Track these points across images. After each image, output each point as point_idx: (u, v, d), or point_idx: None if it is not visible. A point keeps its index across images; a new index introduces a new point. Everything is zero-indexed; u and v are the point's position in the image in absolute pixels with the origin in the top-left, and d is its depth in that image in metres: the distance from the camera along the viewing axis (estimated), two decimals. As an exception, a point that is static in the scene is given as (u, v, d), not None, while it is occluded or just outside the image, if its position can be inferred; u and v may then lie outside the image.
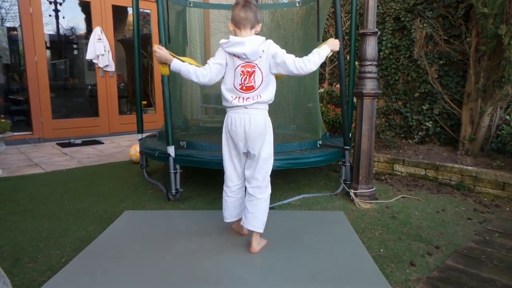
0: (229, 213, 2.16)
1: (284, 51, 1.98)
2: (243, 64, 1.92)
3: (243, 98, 1.95)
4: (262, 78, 1.94)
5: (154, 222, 2.46)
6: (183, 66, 1.96)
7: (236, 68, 1.93)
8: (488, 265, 1.96)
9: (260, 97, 1.97)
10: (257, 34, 1.98)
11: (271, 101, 2.05)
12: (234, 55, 1.92)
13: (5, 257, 2.03)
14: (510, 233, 2.37)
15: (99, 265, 1.87)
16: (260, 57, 1.91)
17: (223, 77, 1.99)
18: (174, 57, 1.98)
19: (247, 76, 1.93)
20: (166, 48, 2.53)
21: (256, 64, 1.93)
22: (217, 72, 1.97)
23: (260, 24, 2.01)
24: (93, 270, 1.82)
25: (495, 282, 1.79)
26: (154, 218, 2.55)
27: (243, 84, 1.94)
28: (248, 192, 2.08)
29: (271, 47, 1.96)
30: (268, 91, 2.00)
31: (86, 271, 1.81)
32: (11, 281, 1.26)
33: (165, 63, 1.98)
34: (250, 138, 2.00)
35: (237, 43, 1.89)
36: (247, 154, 2.08)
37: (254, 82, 1.94)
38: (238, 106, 1.97)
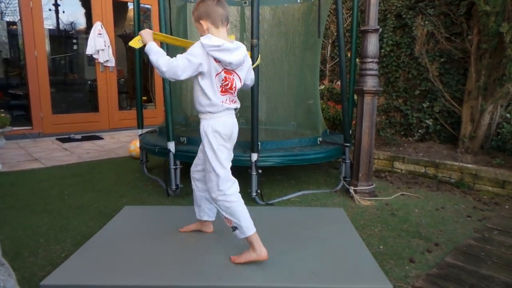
0: (249, 219, 1.92)
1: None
2: (225, 70, 1.81)
3: (223, 101, 1.84)
4: (240, 85, 1.89)
5: (154, 217, 2.46)
6: (158, 52, 1.77)
7: (218, 73, 1.79)
8: (487, 262, 1.96)
9: (234, 102, 1.90)
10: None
11: None
12: (215, 59, 1.76)
13: (5, 251, 2.03)
14: (509, 231, 2.38)
15: (99, 260, 1.87)
16: (241, 65, 1.85)
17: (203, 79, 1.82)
18: (164, 38, 1.90)
19: (229, 82, 1.84)
20: (168, 45, 2.52)
21: (235, 72, 1.85)
22: (191, 73, 1.78)
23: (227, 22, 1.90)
24: (93, 265, 1.82)
25: (494, 279, 1.80)
26: (154, 213, 2.55)
27: (222, 86, 1.83)
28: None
29: (249, 59, 1.94)
30: (238, 100, 1.94)
31: (86, 266, 1.81)
32: (14, 274, 1.27)
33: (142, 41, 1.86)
34: (233, 140, 1.96)
35: (226, 50, 1.74)
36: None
37: (234, 87, 1.86)
38: (227, 109, 1.86)
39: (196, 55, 1.74)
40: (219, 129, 1.85)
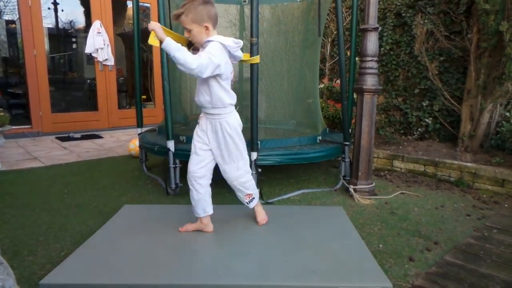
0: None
1: None
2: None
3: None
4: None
5: (154, 216, 2.46)
6: (181, 49, 1.79)
7: (231, 72, 1.99)
8: (487, 261, 1.96)
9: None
10: None
11: None
12: (230, 57, 1.95)
13: (4, 250, 2.03)
14: (508, 229, 2.38)
15: (98, 259, 1.87)
16: None
17: (220, 79, 1.95)
18: (169, 33, 1.89)
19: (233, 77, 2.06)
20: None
21: None
22: (210, 73, 1.85)
23: None
24: (93, 264, 1.82)
25: (494, 278, 1.80)
26: (154, 212, 2.55)
27: (231, 84, 2.04)
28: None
29: None
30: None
31: (86, 265, 1.81)
32: (13, 273, 1.26)
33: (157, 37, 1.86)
34: None
35: (240, 48, 1.94)
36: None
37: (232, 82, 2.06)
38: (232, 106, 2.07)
39: (216, 56, 1.82)
40: (239, 120, 2.08)
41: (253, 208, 2.27)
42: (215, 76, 1.90)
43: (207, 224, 2.19)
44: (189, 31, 1.90)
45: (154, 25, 1.84)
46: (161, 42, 1.82)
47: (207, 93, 1.97)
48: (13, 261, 1.90)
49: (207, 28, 1.88)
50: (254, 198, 2.23)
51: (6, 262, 1.22)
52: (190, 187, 2.14)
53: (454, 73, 3.92)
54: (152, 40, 1.87)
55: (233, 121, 2.05)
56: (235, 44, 1.91)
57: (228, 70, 1.94)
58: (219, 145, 2.07)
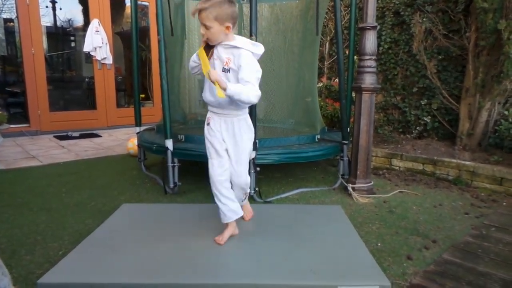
0: None
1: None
2: None
3: None
4: None
5: (152, 215, 2.45)
6: (241, 93, 1.74)
7: None
8: (485, 259, 1.97)
9: None
10: None
11: None
12: None
13: (2, 249, 2.02)
14: (506, 228, 2.38)
15: (96, 258, 1.86)
16: None
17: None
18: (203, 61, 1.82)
19: None
20: (166, 42, 2.50)
21: None
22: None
23: None
24: (91, 263, 1.82)
25: (492, 276, 1.80)
26: (152, 211, 2.55)
27: None
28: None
29: None
30: None
31: (84, 264, 1.80)
32: (9, 273, 1.26)
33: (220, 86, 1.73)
34: None
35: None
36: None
37: None
38: None
39: (259, 70, 1.83)
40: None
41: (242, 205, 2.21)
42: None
43: (236, 226, 2.09)
44: (208, 28, 1.77)
45: (214, 75, 1.74)
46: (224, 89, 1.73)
47: None
48: (11, 260, 1.89)
49: (228, 28, 1.79)
50: (247, 195, 2.24)
51: (2, 262, 1.22)
52: (216, 192, 1.99)
53: (452, 71, 3.92)
54: (220, 93, 1.73)
55: (250, 122, 2.03)
56: (260, 52, 1.87)
57: None
58: (236, 146, 1.97)
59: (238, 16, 1.84)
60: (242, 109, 1.95)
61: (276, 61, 3.92)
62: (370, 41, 2.85)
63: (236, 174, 2.02)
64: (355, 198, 2.89)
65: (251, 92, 1.75)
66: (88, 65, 6.73)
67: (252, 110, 2.71)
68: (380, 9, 4.39)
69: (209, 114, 2.02)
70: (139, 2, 3.37)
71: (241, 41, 1.84)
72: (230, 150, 1.99)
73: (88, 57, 6.41)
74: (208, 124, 2.00)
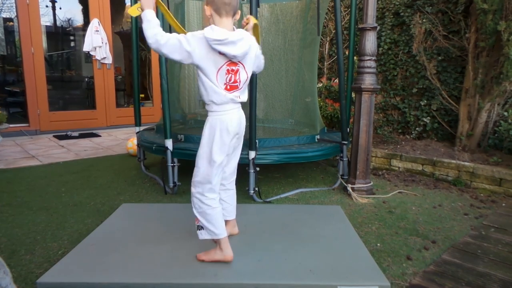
0: (220, 226, 1.82)
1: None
2: (228, 63, 1.70)
3: (230, 96, 1.76)
4: (247, 76, 1.79)
5: (152, 215, 2.45)
6: (150, 21, 1.63)
7: (221, 67, 1.69)
8: (484, 260, 1.97)
9: (239, 98, 1.79)
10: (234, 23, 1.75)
11: None
12: (220, 52, 1.66)
13: (2, 249, 2.02)
14: (506, 228, 2.39)
15: (96, 258, 1.86)
16: (247, 54, 1.73)
17: (203, 74, 1.71)
18: (165, 12, 1.76)
19: (232, 74, 1.73)
20: None
21: (240, 62, 1.73)
22: (179, 57, 1.67)
23: (239, 11, 1.77)
24: (90, 263, 1.82)
25: (491, 276, 1.80)
26: (152, 211, 2.55)
27: (227, 84, 1.73)
28: (226, 187, 2.01)
29: (255, 46, 1.80)
30: (246, 92, 1.85)
31: (83, 264, 1.80)
32: (10, 272, 1.26)
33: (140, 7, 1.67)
34: (240, 137, 1.91)
35: (230, 43, 1.62)
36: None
37: (239, 81, 1.75)
38: (229, 104, 1.76)
39: (190, 42, 1.63)
40: (224, 126, 1.76)
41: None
42: (199, 68, 1.71)
43: (235, 225, 2.16)
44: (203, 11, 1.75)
45: None
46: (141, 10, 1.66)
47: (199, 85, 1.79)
48: (11, 260, 1.89)
49: (209, 12, 1.69)
50: (202, 228, 1.84)
51: (3, 261, 1.22)
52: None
53: (452, 72, 3.93)
54: (132, 10, 1.72)
55: (215, 124, 1.76)
56: (217, 37, 1.61)
57: (208, 65, 1.68)
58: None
59: (225, 3, 1.66)
60: (210, 110, 1.79)
61: (276, 61, 3.92)
62: (370, 42, 2.86)
63: None
64: (355, 199, 2.89)
65: (151, 31, 1.62)
66: (88, 64, 6.72)
67: (252, 109, 2.71)
68: (380, 9, 4.40)
69: None
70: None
71: (211, 26, 1.68)
72: None
73: (88, 56, 6.41)
74: None
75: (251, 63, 1.79)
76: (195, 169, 1.84)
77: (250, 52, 1.74)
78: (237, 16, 1.75)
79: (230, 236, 1.97)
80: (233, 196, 2.07)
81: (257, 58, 1.86)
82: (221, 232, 1.81)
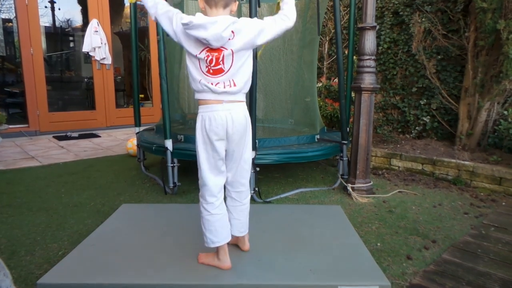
0: (220, 235, 1.76)
1: (266, 22, 1.67)
2: (207, 49, 1.60)
3: (213, 83, 1.63)
4: (232, 59, 1.63)
5: (152, 215, 2.45)
6: None
7: (200, 52, 1.60)
8: (484, 259, 1.97)
9: (234, 83, 1.65)
10: (232, 14, 1.66)
11: (247, 89, 1.72)
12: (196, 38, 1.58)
13: (1, 250, 2.02)
14: (506, 227, 2.39)
15: (96, 259, 1.86)
16: (229, 39, 1.58)
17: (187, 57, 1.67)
18: None
19: (213, 57, 1.61)
20: (165, 42, 2.49)
21: (223, 47, 1.60)
22: (170, 33, 1.66)
23: (237, 3, 1.69)
24: (91, 263, 1.81)
25: (491, 276, 1.80)
26: (152, 211, 2.55)
27: (209, 67, 1.62)
28: (232, 196, 1.86)
29: (251, 26, 1.64)
30: (241, 75, 1.66)
31: (83, 264, 1.80)
32: (10, 274, 1.26)
33: None
34: (232, 140, 1.71)
35: (199, 26, 1.52)
36: (225, 155, 1.77)
37: (223, 64, 1.62)
38: (208, 93, 1.66)
39: (177, 23, 1.62)
40: (203, 124, 1.68)
41: None
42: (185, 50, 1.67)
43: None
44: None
45: None
46: None
47: None
48: (11, 261, 1.89)
49: (202, 5, 1.65)
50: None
51: (3, 262, 1.21)
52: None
53: (451, 71, 3.93)
54: None
55: (202, 122, 1.69)
56: (184, 21, 1.55)
57: (189, 47, 1.62)
58: None
59: None
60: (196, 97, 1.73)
61: (276, 61, 3.92)
62: (370, 41, 2.86)
63: None
64: (355, 198, 2.89)
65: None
66: (87, 65, 6.72)
67: (252, 110, 2.71)
68: (380, 9, 4.40)
69: None
70: (138, 2, 3.36)
71: (197, 14, 1.60)
72: None
73: (87, 57, 6.41)
74: None
75: (240, 44, 1.62)
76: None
77: (233, 34, 1.59)
78: (234, 8, 1.68)
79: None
80: (239, 210, 1.88)
81: (261, 33, 1.65)
82: (219, 241, 1.75)
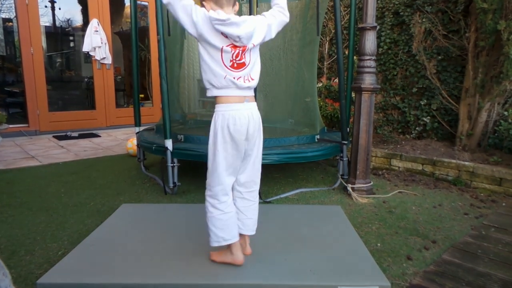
0: (232, 232, 1.77)
1: (269, 18, 1.74)
2: (231, 45, 1.62)
3: (235, 77, 1.65)
4: (251, 54, 1.69)
5: (152, 215, 2.45)
6: None
7: (227, 45, 1.62)
8: (484, 260, 1.97)
9: (251, 77, 1.69)
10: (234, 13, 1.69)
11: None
12: (222, 33, 1.59)
13: (1, 249, 2.02)
14: (506, 228, 2.39)
15: (96, 258, 1.86)
16: (252, 37, 1.64)
17: (206, 51, 1.65)
18: None
19: (240, 51, 1.64)
20: (165, 42, 2.49)
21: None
22: (188, 24, 1.61)
23: (238, 3, 1.73)
24: (91, 263, 1.81)
25: (491, 276, 1.80)
26: (152, 211, 2.55)
27: (234, 61, 1.64)
28: (244, 197, 1.85)
29: (262, 22, 1.70)
30: (256, 69, 1.73)
31: (83, 264, 1.80)
32: (9, 273, 1.26)
33: None
34: (251, 138, 1.73)
35: (233, 23, 1.56)
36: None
37: (245, 58, 1.66)
38: (231, 90, 1.67)
39: (197, 14, 1.59)
40: (229, 123, 1.67)
41: None
42: (202, 43, 1.64)
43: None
44: None
45: None
46: None
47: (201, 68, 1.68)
48: (10, 261, 1.89)
49: (210, 7, 1.64)
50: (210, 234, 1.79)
51: (2, 262, 1.21)
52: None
53: (452, 72, 3.92)
54: None
55: (216, 123, 1.68)
56: (220, 17, 1.56)
57: (213, 41, 1.61)
58: None
59: None
60: (215, 103, 1.71)
61: (276, 61, 3.92)
62: (370, 41, 2.86)
63: None
64: (355, 198, 2.89)
65: None
66: (87, 65, 6.72)
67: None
68: (380, 9, 4.40)
69: None
70: (138, 2, 3.37)
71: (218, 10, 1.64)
72: None
73: (87, 57, 6.40)
74: None
75: (260, 42, 1.70)
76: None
77: (254, 34, 1.65)
78: (236, 8, 1.70)
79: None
80: (252, 209, 1.87)
81: (269, 28, 1.74)
82: (231, 238, 1.75)
